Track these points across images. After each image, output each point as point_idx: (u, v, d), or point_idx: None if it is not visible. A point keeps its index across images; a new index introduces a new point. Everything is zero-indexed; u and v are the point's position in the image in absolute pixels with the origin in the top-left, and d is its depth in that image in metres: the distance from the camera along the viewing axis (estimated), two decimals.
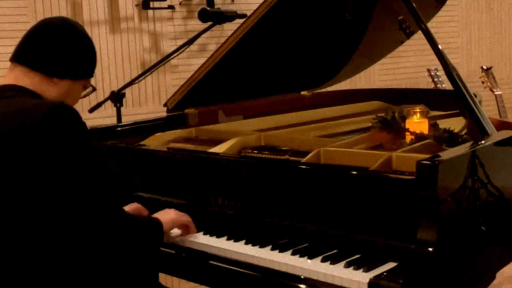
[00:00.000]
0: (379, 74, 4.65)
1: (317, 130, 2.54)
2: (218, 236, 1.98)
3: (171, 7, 3.80)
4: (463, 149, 1.86)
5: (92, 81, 2.04)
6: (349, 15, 2.73)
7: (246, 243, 1.91)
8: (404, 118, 2.31)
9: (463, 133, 2.21)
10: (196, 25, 3.62)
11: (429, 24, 2.21)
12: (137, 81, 3.09)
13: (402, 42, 2.97)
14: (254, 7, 2.49)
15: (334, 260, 1.74)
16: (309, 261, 1.77)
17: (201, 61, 2.72)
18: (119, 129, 2.58)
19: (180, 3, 3.86)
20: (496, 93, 3.84)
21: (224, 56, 2.56)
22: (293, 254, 1.81)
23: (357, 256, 1.76)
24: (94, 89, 2.05)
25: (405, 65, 4.71)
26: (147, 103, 3.83)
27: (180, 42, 3.36)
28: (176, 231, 2.03)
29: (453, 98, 2.17)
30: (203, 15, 2.91)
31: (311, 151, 2.07)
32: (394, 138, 2.28)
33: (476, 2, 5.12)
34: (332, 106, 2.96)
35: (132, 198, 2.30)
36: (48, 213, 1.68)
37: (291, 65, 2.95)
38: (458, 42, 5.06)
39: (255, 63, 2.75)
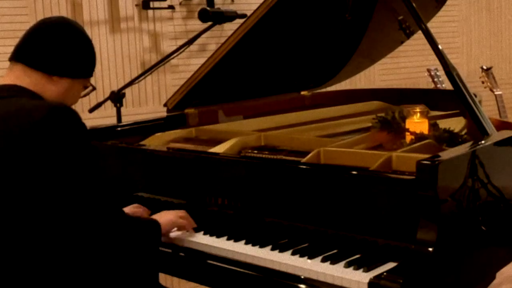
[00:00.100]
0: (379, 74, 4.65)
1: (317, 130, 2.54)
2: (218, 236, 1.98)
3: (171, 7, 3.80)
4: (463, 149, 1.86)
5: (92, 81, 2.04)
6: (349, 15, 2.73)
7: (246, 243, 1.92)
8: (404, 118, 2.31)
9: (463, 133, 2.21)
10: (196, 25, 3.62)
11: (429, 24, 2.21)
12: (137, 81, 3.09)
13: (402, 42, 2.97)
14: (254, 7, 2.49)
15: (334, 260, 1.74)
16: (309, 261, 1.77)
17: (201, 61, 2.72)
18: (119, 129, 2.58)
19: (180, 3, 3.86)
20: (496, 93, 3.84)
21: (224, 56, 2.56)
22: (293, 254, 1.81)
23: (357, 256, 1.76)
24: (94, 89, 2.05)
25: (405, 65, 4.71)
26: (147, 103, 3.83)
27: (180, 42, 3.36)
28: (175, 232, 2.03)
29: (453, 98, 2.17)
30: (203, 15, 2.91)
31: (311, 151, 2.07)
32: (394, 138, 2.28)
33: (476, 2, 5.12)
34: (332, 106, 2.96)
35: (132, 198, 2.30)
36: (47, 213, 1.68)
37: (291, 65, 2.95)
38: (458, 42, 5.06)
39: (255, 63, 2.75)
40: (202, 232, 2.03)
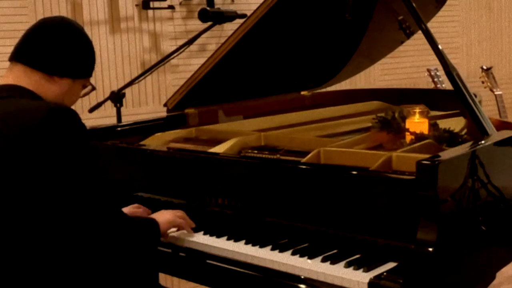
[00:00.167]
0: (379, 74, 4.65)
1: (317, 130, 2.54)
2: (218, 236, 1.98)
3: (171, 7, 3.80)
4: (463, 149, 1.86)
5: (92, 81, 2.04)
6: (349, 15, 2.73)
7: (246, 243, 1.92)
8: (404, 118, 2.31)
9: (463, 133, 2.21)
10: (196, 25, 3.61)
11: (429, 24, 2.21)
12: (137, 81, 3.09)
13: (402, 42, 2.97)
14: (254, 7, 2.49)
15: (334, 260, 1.74)
16: (309, 261, 1.77)
17: (201, 61, 2.72)
18: (119, 129, 2.58)
19: (180, 3, 3.86)
20: (496, 93, 3.84)
21: (224, 56, 2.56)
22: (293, 254, 1.81)
23: (357, 256, 1.76)
24: (93, 88, 2.05)
25: (405, 65, 4.70)
26: (147, 103, 3.83)
27: (180, 42, 3.36)
28: (175, 232, 2.03)
29: (453, 98, 2.17)
30: (203, 15, 2.91)
31: (311, 151, 2.06)
32: (394, 138, 2.28)
33: (476, 2, 5.12)
34: (332, 106, 2.96)
35: (132, 198, 2.30)
36: (46, 213, 1.68)
37: (291, 65, 2.95)
38: (458, 42, 5.06)
39: (255, 63, 2.75)
40: (202, 232, 2.03)
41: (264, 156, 2.20)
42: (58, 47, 1.85)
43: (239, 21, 2.70)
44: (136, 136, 2.53)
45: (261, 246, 1.88)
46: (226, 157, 2.16)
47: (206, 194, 2.13)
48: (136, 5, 3.75)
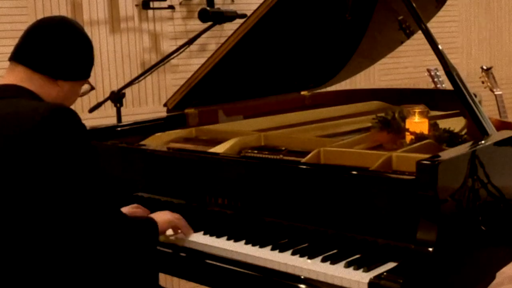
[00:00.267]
0: (379, 74, 4.65)
1: (317, 130, 2.54)
2: (218, 236, 1.98)
3: (171, 7, 3.80)
4: (463, 149, 1.86)
5: (92, 81, 2.04)
6: (349, 15, 2.73)
7: (246, 243, 1.91)
8: (404, 118, 2.31)
9: (463, 133, 2.21)
10: (196, 25, 3.61)
11: (429, 24, 2.21)
12: (137, 81, 3.09)
13: (402, 42, 2.97)
14: (254, 7, 2.49)
15: (334, 260, 1.74)
16: (309, 261, 1.77)
17: (201, 61, 2.72)
18: (119, 129, 2.58)
19: (180, 3, 3.86)
20: (496, 93, 3.84)
21: (224, 56, 2.56)
22: (293, 254, 1.81)
23: (357, 256, 1.76)
24: (92, 88, 2.05)
25: (405, 65, 4.71)
26: (147, 103, 3.83)
27: (180, 42, 3.36)
28: (172, 232, 2.03)
29: (453, 98, 2.17)
30: (203, 15, 2.91)
31: (311, 151, 2.06)
32: (394, 138, 2.28)
33: (476, 2, 5.12)
34: (332, 106, 2.96)
35: (132, 198, 2.30)
36: (46, 213, 1.68)
37: (291, 65, 2.95)
38: (458, 42, 5.06)
39: (255, 63, 2.75)
40: (202, 232, 2.03)
41: (264, 156, 2.20)
42: (62, 50, 1.85)
43: (239, 21, 2.70)
44: (136, 136, 2.53)
45: (261, 246, 1.88)
46: (226, 157, 2.16)
47: (206, 194, 2.13)
48: (136, 5, 3.75)
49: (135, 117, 3.34)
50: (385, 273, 1.64)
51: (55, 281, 1.71)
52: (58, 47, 1.85)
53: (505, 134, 2.01)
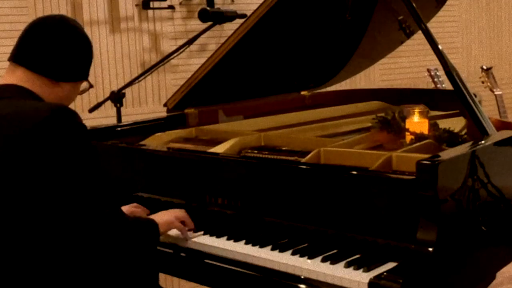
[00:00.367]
0: (379, 74, 4.65)
1: (317, 130, 2.54)
2: (218, 236, 1.98)
3: (171, 7, 3.80)
4: (463, 149, 1.86)
5: (92, 81, 2.04)
6: (349, 15, 2.73)
7: (246, 243, 1.92)
8: (404, 118, 2.31)
9: (463, 133, 2.21)
10: (196, 25, 3.62)
11: (429, 24, 2.21)
12: (137, 81, 3.09)
13: (402, 42, 2.97)
14: (254, 7, 2.49)
15: (334, 260, 1.74)
16: (309, 261, 1.77)
17: (201, 61, 2.72)
18: (119, 129, 2.58)
19: (180, 3, 3.86)
20: (496, 93, 3.84)
21: (224, 56, 2.56)
22: (293, 254, 1.81)
23: (357, 256, 1.76)
24: (91, 86, 2.05)
25: (405, 65, 4.71)
26: (147, 103, 3.83)
27: (180, 42, 3.36)
28: (174, 232, 2.03)
29: (453, 98, 2.17)
30: (203, 15, 2.91)
31: (311, 151, 2.06)
32: (394, 138, 2.28)
33: (476, 2, 5.12)
34: (332, 106, 2.96)
35: (132, 198, 2.30)
36: (47, 213, 1.68)
37: (291, 65, 2.95)
38: (458, 42, 5.06)
39: (255, 63, 2.75)
40: (202, 232, 2.03)
41: (264, 156, 2.20)
42: (62, 51, 1.84)
43: (239, 21, 2.70)
44: (136, 136, 2.53)
45: (261, 246, 1.88)
46: (226, 157, 2.16)
47: (206, 194, 2.13)
48: (136, 5, 3.75)
49: (135, 117, 3.34)
50: (385, 273, 1.64)
51: (55, 281, 1.71)
52: (58, 48, 1.84)
53: (505, 134, 2.01)
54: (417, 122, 2.27)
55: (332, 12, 2.74)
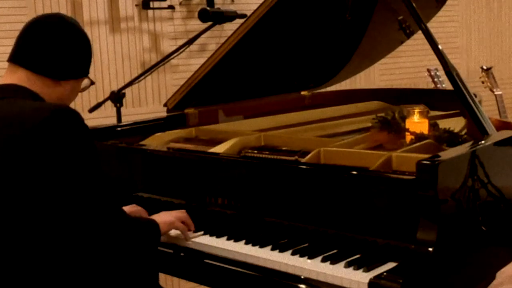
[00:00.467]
0: (379, 74, 4.65)
1: (317, 130, 2.54)
2: (218, 236, 1.98)
3: (171, 7, 3.80)
4: (463, 149, 1.86)
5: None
6: (349, 15, 2.73)
7: (246, 243, 1.92)
8: (404, 118, 2.31)
9: (463, 133, 2.21)
10: (196, 25, 3.61)
11: (429, 24, 2.21)
12: (137, 81, 3.09)
13: (402, 42, 2.97)
14: (254, 7, 2.49)
15: (334, 260, 1.74)
16: (309, 261, 1.77)
17: (201, 61, 2.72)
18: (119, 129, 2.58)
19: (180, 3, 3.86)
20: (496, 93, 3.84)
21: (224, 56, 2.56)
22: (293, 254, 1.81)
23: (357, 256, 1.76)
24: (92, 83, 2.05)
25: (405, 65, 4.70)
26: (147, 103, 3.83)
27: (180, 42, 3.36)
28: (174, 232, 2.03)
29: (453, 98, 2.17)
30: (203, 15, 2.91)
31: (311, 151, 2.06)
32: (394, 138, 2.28)
33: (476, 2, 5.12)
34: (332, 106, 2.96)
35: (132, 198, 2.30)
36: (50, 214, 1.68)
37: (291, 65, 2.95)
38: (458, 42, 5.06)
39: (255, 63, 2.75)
40: (202, 232, 2.03)
41: (264, 156, 2.20)
42: (61, 50, 1.84)
43: (239, 21, 2.70)
44: (136, 136, 2.53)
45: (261, 246, 1.88)
46: (226, 157, 2.16)
47: (206, 194, 2.13)
48: (136, 5, 3.75)
49: (135, 117, 3.34)
50: (385, 273, 1.64)
51: (56, 280, 1.71)
52: (57, 47, 1.84)
53: (505, 134, 2.01)
54: (417, 122, 2.27)
55: (332, 12, 2.74)
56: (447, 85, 3.46)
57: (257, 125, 2.67)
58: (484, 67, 3.93)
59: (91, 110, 3.11)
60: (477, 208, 1.79)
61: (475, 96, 2.11)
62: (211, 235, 2.00)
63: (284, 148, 2.27)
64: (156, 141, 2.49)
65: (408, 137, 2.21)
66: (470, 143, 1.94)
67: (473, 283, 1.81)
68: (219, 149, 2.26)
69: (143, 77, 3.09)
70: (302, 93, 3.19)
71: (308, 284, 1.72)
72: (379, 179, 1.80)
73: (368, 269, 1.68)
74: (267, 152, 2.22)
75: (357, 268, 1.69)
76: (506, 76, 5.26)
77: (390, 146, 2.23)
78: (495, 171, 1.87)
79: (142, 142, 2.47)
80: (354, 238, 1.81)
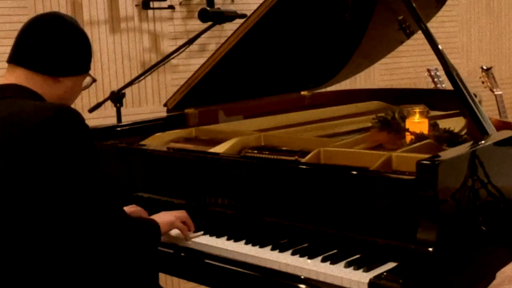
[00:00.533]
0: (379, 74, 4.65)
1: (317, 130, 2.54)
2: (218, 236, 1.98)
3: (171, 7, 3.80)
4: (463, 149, 1.86)
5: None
6: (349, 15, 2.73)
7: (246, 243, 1.92)
8: (404, 118, 2.31)
9: (463, 133, 2.21)
10: (196, 25, 3.61)
11: (429, 24, 2.21)
12: (137, 81, 3.09)
13: (402, 42, 2.97)
14: (254, 7, 2.49)
15: (334, 260, 1.74)
16: (309, 261, 1.77)
17: (201, 61, 2.72)
18: (119, 129, 2.58)
19: (180, 3, 3.86)
20: (496, 93, 3.84)
21: (224, 56, 2.56)
22: (293, 254, 1.81)
23: (357, 256, 1.76)
24: (94, 80, 2.04)
25: (405, 65, 4.70)
26: (147, 103, 3.83)
27: (180, 42, 3.36)
28: (174, 232, 2.03)
29: (453, 98, 2.17)
30: (203, 15, 2.91)
31: (311, 151, 2.06)
32: (394, 138, 2.28)
33: (476, 2, 5.12)
34: (332, 106, 2.96)
35: (132, 198, 2.30)
36: (50, 213, 1.68)
37: (291, 65, 2.95)
38: (458, 42, 5.06)
39: (255, 63, 2.75)
40: (202, 232, 2.03)
41: (264, 156, 2.20)
42: (59, 47, 1.84)
43: (239, 21, 2.70)
44: (136, 136, 2.53)
45: (261, 246, 1.88)
46: (226, 157, 2.16)
47: (206, 194, 2.13)
48: (136, 5, 3.75)
49: (135, 117, 3.34)
50: (385, 273, 1.64)
51: (56, 280, 1.71)
52: (54, 45, 1.84)
53: (505, 134, 2.01)
54: (417, 122, 2.27)
55: (332, 12, 2.74)
56: (447, 85, 3.46)
57: (257, 125, 2.67)
58: (484, 67, 3.94)
59: (91, 110, 3.11)
60: (477, 208, 1.79)
61: (475, 96, 2.11)
62: (211, 235, 2.00)
63: (284, 148, 2.27)
64: (156, 141, 2.49)
65: (408, 137, 2.21)
66: (470, 143, 1.94)
67: (473, 283, 1.81)
68: (219, 149, 2.26)
69: (143, 77, 3.09)
70: (302, 93, 3.19)
71: (308, 284, 1.72)
72: (379, 179, 1.80)
73: (368, 269, 1.68)
74: (267, 152, 2.22)
75: (357, 268, 1.69)
76: (506, 76, 5.26)
77: (390, 146, 2.23)
78: (495, 171, 1.87)
79: (142, 142, 2.47)
80: (354, 238, 1.81)
